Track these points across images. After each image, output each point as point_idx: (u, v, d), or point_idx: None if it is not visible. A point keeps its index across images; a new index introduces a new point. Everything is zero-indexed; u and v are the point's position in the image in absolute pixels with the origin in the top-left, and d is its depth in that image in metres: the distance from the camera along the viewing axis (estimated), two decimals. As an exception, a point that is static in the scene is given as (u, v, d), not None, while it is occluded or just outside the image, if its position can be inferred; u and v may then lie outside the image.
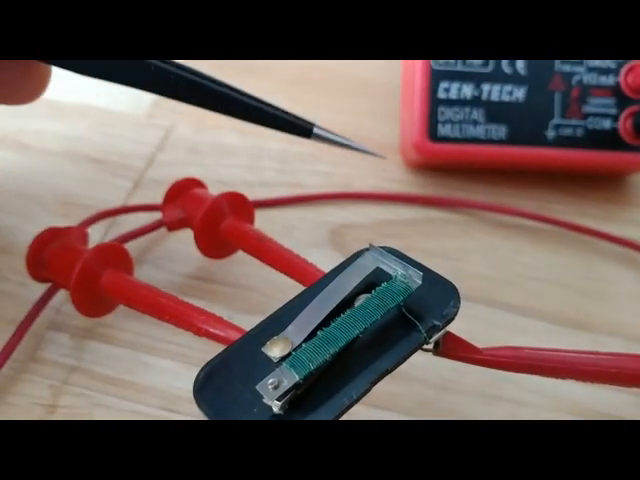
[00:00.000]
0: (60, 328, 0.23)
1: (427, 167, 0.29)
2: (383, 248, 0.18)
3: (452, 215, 0.28)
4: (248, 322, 0.24)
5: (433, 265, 0.26)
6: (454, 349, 0.17)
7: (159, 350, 0.23)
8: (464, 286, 0.26)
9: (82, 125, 0.31)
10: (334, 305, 0.16)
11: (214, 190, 0.28)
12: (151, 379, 0.22)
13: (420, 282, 0.16)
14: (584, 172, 0.29)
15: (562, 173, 0.29)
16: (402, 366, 0.23)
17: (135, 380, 0.22)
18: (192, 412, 0.21)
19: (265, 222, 0.27)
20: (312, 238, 0.27)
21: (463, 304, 0.25)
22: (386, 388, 0.22)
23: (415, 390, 0.22)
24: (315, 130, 0.19)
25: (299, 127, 0.19)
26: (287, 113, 0.19)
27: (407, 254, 0.27)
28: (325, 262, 0.26)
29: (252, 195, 0.28)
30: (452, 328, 0.23)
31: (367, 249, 0.18)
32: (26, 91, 0.21)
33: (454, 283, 0.26)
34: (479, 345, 0.24)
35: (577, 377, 0.18)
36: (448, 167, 0.29)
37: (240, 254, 0.24)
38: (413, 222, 0.28)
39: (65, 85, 0.32)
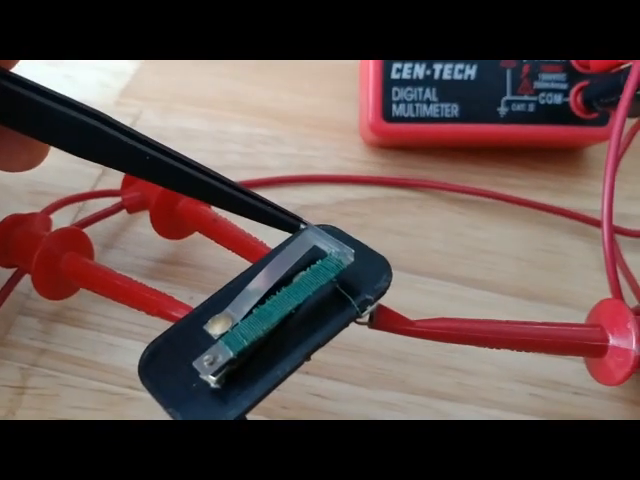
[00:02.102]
0: (29, 312, 0.24)
1: (385, 146, 0.30)
2: (322, 227, 0.18)
3: (409, 193, 0.29)
4: (209, 302, 0.25)
5: (390, 242, 0.27)
6: (387, 322, 0.18)
7: (123, 331, 0.24)
8: (421, 261, 0.27)
9: None
10: (272, 283, 0.17)
11: (178, 175, 0.29)
12: (116, 359, 0.23)
13: (352, 259, 0.17)
14: (537, 147, 0.30)
15: (516, 148, 0.30)
16: (354, 339, 0.24)
17: (101, 360, 0.23)
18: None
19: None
20: (273, 219, 0.28)
21: (420, 279, 0.26)
22: (340, 361, 0.23)
23: (368, 362, 0.23)
24: (301, 227, 0.19)
25: (286, 223, 0.19)
26: (275, 208, 0.19)
27: (365, 231, 0.28)
28: (286, 242, 0.27)
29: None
30: (409, 302, 0.24)
31: (305, 228, 0.18)
32: (22, 161, 0.22)
33: (411, 259, 0.27)
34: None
35: (509, 346, 0.19)
36: (405, 146, 0.30)
37: (200, 236, 0.25)
38: (371, 200, 0.29)
39: (36, 77, 0.33)
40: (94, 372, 0.23)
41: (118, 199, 0.26)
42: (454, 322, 0.19)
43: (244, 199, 0.19)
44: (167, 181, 0.19)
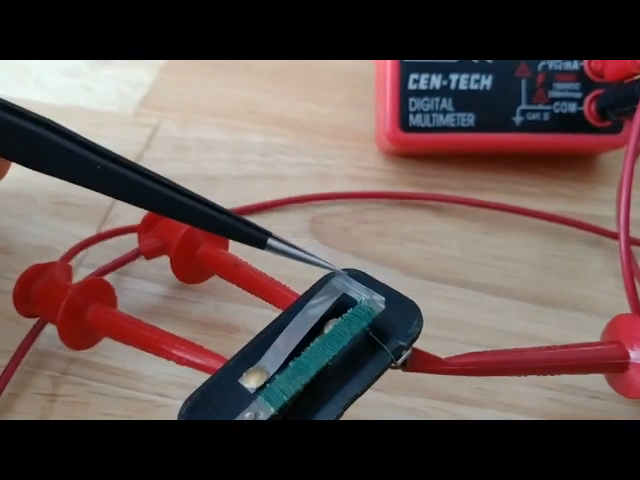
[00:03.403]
0: (58, 322, 0.24)
1: (402, 155, 0.31)
2: (348, 272, 0.18)
3: (426, 200, 0.30)
4: (233, 310, 0.25)
5: (408, 249, 0.28)
6: (421, 364, 0.18)
7: (150, 339, 0.24)
8: (438, 268, 0.27)
9: (73, 127, 0.31)
10: (304, 333, 0.17)
11: (199, 186, 0.29)
12: (145, 367, 0.23)
13: (383, 306, 0.17)
14: (552, 154, 0.30)
15: (531, 156, 0.31)
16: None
17: (129, 368, 0.23)
18: (181, 396, 0.22)
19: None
20: (292, 228, 0.28)
21: (438, 286, 0.27)
22: (362, 368, 0.24)
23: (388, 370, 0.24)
24: (269, 242, 0.17)
25: (253, 238, 0.17)
26: (241, 221, 0.17)
27: (383, 239, 0.28)
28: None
29: (235, 188, 0.30)
30: (427, 308, 0.24)
31: (333, 275, 0.18)
32: None
33: (428, 266, 0.28)
34: (454, 325, 0.25)
35: (535, 373, 0.19)
36: (421, 155, 0.31)
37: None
38: (389, 208, 0.29)
39: (55, 88, 0.34)
40: (123, 380, 0.23)
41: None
42: (483, 356, 0.19)
43: (205, 211, 0.17)
44: (120, 193, 0.17)
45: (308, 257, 0.17)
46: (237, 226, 0.17)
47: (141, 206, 0.18)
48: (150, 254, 0.25)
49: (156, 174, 0.17)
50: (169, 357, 0.20)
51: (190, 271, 0.24)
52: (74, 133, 0.17)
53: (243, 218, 0.17)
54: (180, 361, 0.20)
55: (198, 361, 0.19)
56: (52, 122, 0.17)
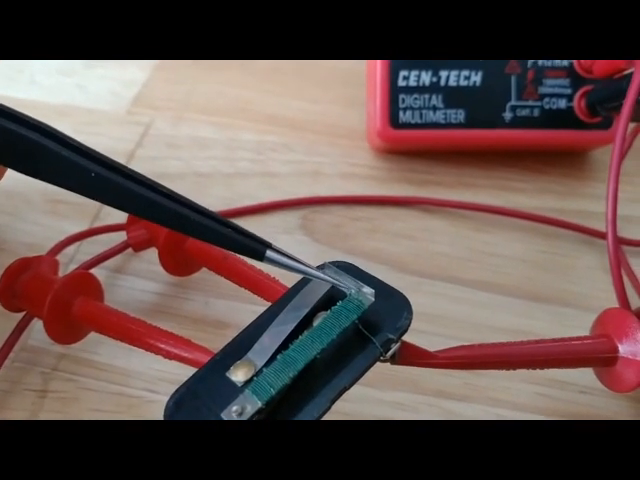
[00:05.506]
0: (49, 319, 0.25)
1: (392, 152, 0.31)
2: (337, 265, 0.18)
3: (415, 204, 0.30)
4: (223, 306, 0.26)
5: (398, 245, 0.28)
6: (410, 357, 0.18)
7: (140, 336, 0.24)
8: (428, 264, 0.28)
9: (66, 125, 0.32)
10: (293, 326, 0.17)
11: (191, 183, 0.30)
12: (134, 363, 0.24)
13: (373, 299, 0.17)
14: (542, 151, 0.30)
15: (522, 152, 0.31)
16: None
17: (119, 364, 0.23)
18: (171, 392, 0.22)
19: (239, 211, 0.29)
20: (283, 224, 0.28)
21: (428, 282, 0.27)
22: (351, 363, 0.24)
23: (378, 364, 0.24)
24: (268, 254, 0.16)
25: (251, 250, 0.16)
26: (238, 231, 0.16)
27: (374, 236, 0.28)
28: (296, 247, 0.28)
29: (227, 186, 0.30)
30: (417, 304, 0.25)
31: (323, 267, 0.18)
32: None
33: (418, 262, 0.28)
34: (444, 320, 0.25)
35: (524, 367, 0.20)
36: (412, 151, 0.31)
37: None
38: (379, 205, 0.29)
39: (49, 87, 0.34)
40: (113, 376, 0.23)
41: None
42: (472, 349, 0.19)
43: (201, 221, 0.16)
44: (114, 200, 0.17)
45: (310, 270, 0.17)
46: (233, 236, 0.16)
47: (137, 215, 0.17)
48: (138, 246, 0.25)
49: (151, 180, 0.17)
50: (156, 351, 0.20)
51: (178, 263, 0.24)
52: (70, 138, 0.17)
53: (241, 227, 0.17)
54: (168, 355, 0.20)
55: (186, 355, 0.19)
56: (47, 126, 0.17)
